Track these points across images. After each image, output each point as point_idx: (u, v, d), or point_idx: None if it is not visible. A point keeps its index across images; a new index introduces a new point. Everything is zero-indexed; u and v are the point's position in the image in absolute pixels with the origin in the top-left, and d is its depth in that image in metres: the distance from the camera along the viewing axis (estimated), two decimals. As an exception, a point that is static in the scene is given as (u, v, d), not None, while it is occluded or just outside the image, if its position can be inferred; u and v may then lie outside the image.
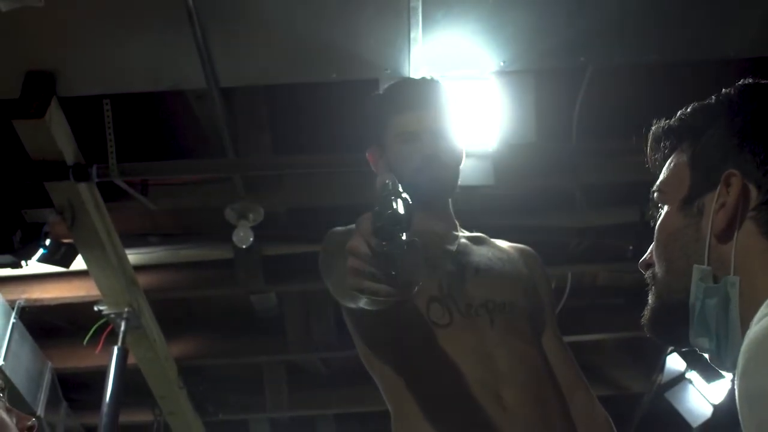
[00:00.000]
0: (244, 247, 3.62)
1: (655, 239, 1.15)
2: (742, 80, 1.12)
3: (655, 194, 1.17)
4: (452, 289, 1.88)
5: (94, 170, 3.16)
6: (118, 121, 3.21)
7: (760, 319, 0.89)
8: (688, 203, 1.09)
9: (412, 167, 1.98)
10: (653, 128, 1.20)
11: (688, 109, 1.15)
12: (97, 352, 4.00)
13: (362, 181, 3.46)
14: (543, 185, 3.76)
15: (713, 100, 1.12)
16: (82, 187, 3.20)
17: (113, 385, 3.72)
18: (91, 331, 3.94)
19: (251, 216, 3.61)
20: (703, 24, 2.91)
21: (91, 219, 3.31)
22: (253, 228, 3.61)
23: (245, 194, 3.57)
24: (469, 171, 3.00)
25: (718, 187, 1.05)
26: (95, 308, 3.78)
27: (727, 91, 1.11)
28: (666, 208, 1.14)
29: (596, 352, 5.19)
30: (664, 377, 4.78)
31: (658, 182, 1.17)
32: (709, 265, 1.04)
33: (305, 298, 4.48)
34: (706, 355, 1.07)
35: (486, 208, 3.74)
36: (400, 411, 1.84)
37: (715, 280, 1.03)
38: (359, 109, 3.26)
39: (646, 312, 1.14)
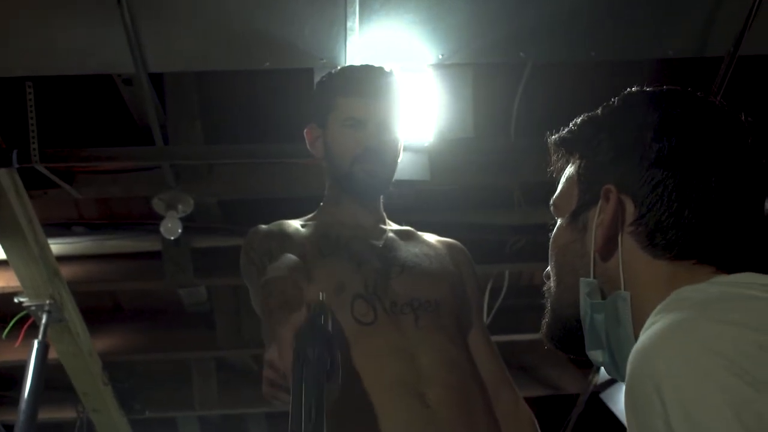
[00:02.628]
0: (172, 238, 3.52)
1: (549, 253, 1.14)
2: (627, 89, 1.11)
3: (551, 208, 1.16)
4: (377, 286, 1.85)
5: (14, 155, 3.03)
6: (41, 105, 3.08)
7: (646, 329, 0.89)
8: (575, 218, 1.09)
9: (351, 155, 1.96)
10: (551, 139, 1.18)
11: (579, 120, 1.13)
12: (16, 345, 3.86)
13: (296, 173, 3.41)
14: (480, 182, 3.71)
15: (600, 111, 1.11)
16: (2, 173, 3.09)
17: (32, 381, 3.57)
18: (11, 324, 3.80)
19: (180, 207, 3.50)
20: (644, 23, 2.90)
21: (12, 206, 3.18)
22: (182, 219, 3.50)
23: (174, 184, 3.46)
24: (404, 165, 2.94)
25: (599, 203, 1.04)
26: (15, 300, 3.64)
27: (613, 101, 1.10)
28: (558, 221, 1.14)
29: (532, 352, 5.18)
30: (600, 378, 4.80)
31: (553, 196, 1.16)
32: (595, 278, 1.04)
33: (236, 292, 4.37)
34: (603, 368, 1.08)
35: (421, 204, 3.70)
36: None
37: (604, 295, 1.03)
38: (293, 98, 3.23)
39: (543, 324, 1.14)
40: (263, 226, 1.98)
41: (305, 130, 2.09)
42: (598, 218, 1.04)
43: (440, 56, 2.92)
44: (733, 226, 1.00)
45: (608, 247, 1.03)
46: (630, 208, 1.01)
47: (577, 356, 1.12)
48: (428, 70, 2.99)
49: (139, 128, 3.40)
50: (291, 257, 1.84)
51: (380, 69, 2.05)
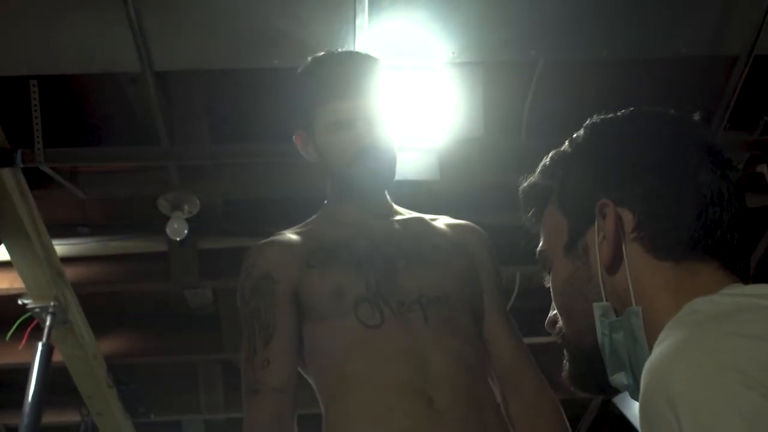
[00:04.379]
0: (178, 239, 3.49)
1: (552, 295, 1.14)
2: (588, 120, 1.14)
3: (540, 259, 1.16)
4: (381, 286, 1.77)
5: (18, 155, 3.03)
6: (46, 104, 3.06)
7: (659, 344, 0.89)
8: (572, 246, 1.09)
9: (348, 157, 1.85)
10: (521, 189, 1.20)
11: (547, 161, 1.15)
12: (20, 348, 3.79)
13: (302, 172, 3.36)
14: (490, 182, 3.66)
15: (566, 146, 1.14)
16: (6, 172, 3.06)
17: (36, 384, 3.55)
18: (15, 326, 3.75)
19: (186, 207, 3.47)
20: (656, 21, 2.87)
21: (16, 207, 3.16)
22: (188, 220, 3.48)
23: (180, 184, 3.43)
24: (414, 165, 2.91)
25: (596, 221, 1.05)
26: (19, 302, 3.61)
27: (577, 133, 1.13)
28: (554, 263, 1.13)
29: (544, 355, 5.09)
30: (613, 382, 4.76)
31: (539, 247, 1.16)
32: (607, 300, 1.04)
33: (242, 295, 4.34)
34: (628, 393, 1.05)
35: (430, 204, 3.64)
36: (329, 414, 1.76)
37: (617, 313, 1.03)
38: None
39: (565, 367, 1.12)
40: (258, 245, 1.89)
41: (294, 137, 1.96)
42: (599, 236, 1.05)
43: (451, 54, 2.88)
44: (727, 217, 1.01)
45: (614, 261, 1.03)
46: (628, 217, 1.02)
47: (606, 394, 1.11)
48: (439, 69, 2.95)
49: (145, 128, 3.37)
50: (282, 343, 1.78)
51: (349, 59, 1.93)
